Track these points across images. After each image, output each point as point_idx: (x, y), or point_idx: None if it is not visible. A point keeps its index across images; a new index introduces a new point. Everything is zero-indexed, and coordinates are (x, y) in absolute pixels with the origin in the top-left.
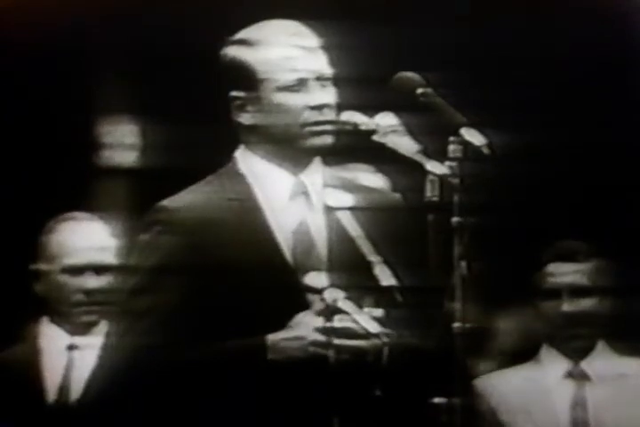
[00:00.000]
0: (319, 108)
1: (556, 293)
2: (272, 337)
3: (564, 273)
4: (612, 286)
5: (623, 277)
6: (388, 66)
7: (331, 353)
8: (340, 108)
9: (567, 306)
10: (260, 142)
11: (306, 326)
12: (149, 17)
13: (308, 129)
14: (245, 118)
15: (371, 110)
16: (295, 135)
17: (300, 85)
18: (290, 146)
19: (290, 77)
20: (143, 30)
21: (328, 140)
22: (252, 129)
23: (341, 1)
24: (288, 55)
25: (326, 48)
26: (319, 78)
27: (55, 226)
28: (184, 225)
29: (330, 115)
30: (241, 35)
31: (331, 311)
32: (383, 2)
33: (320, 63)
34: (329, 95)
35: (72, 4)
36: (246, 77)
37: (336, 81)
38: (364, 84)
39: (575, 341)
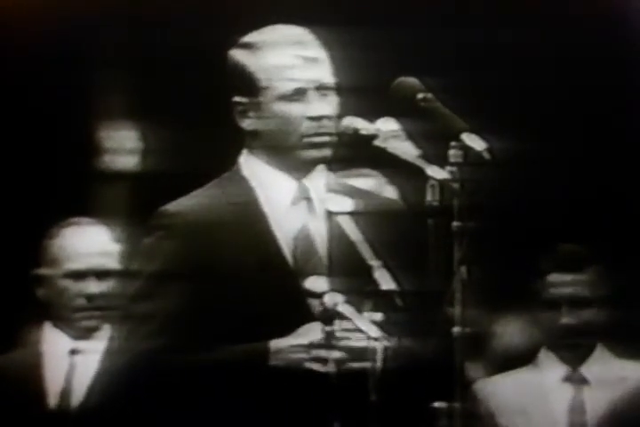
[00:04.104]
0: (318, 118)
1: (556, 303)
2: (275, 344)
3: (565, 284)
4: (612, 295)
5: (623, 285)
6: (388, 71)
7: (331, 359)
8: (342, 113)
9: (566, 318)
10: (262, 148)
11: (309, 335)
12: (151, 19)
13: (306, 140)
14: (247, 124)
15: (372, 116)
16: (294, 145)
17: (298, 95)
18: (290, 156)
19: (288, 87)
20: (145, 33)
21: (327, 152)
22: (254, 135)
23: (342, 7)
24: (288, 64)
25: (329, 56)
26: (319, 88)
27: (58, 231)
28: (186, 229)
29: (329, 126)
30: (246, 39)
31: (330, 316)
32: (383, 7)
33: (321, 73)
34: (329, 106)
35: (72, 8)
36: (248, 84)
37: (337, 86)
38: (364, 89)
39: (573, 349)
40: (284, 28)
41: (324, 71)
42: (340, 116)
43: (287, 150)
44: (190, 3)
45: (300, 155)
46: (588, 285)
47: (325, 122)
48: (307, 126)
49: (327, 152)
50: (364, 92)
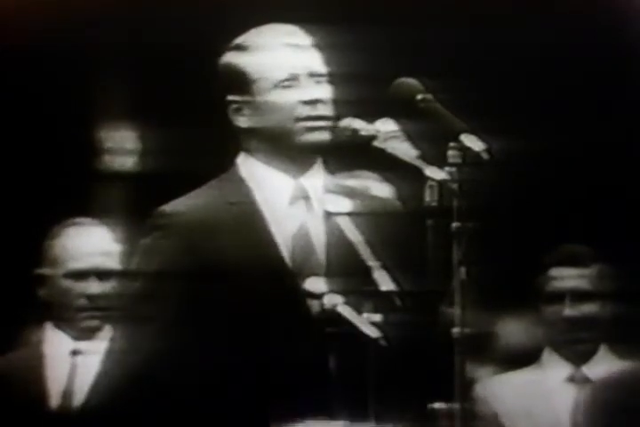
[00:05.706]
0: (312, 102)
1: (559, 297)
2: None
3: (567, 277)
4: (615, 290)
5: (625, 281)
6: (387, 71)
7: (331, 359)
8: (340, 114)
9: (569, 310)
10: (259, 146)
11: None
12: (149, 21)
13: (302, 124)
14: (242, 121)
15: (371, 116)
16: (290, 131)
17: (292, 80)
18: (287, 146)
19: (281, 74)
20: (143, 35)
21: (324, 135)
22: (250, 132)
23: (340, 5)
24: (279, 53)
25: (321, 49)
26: (312, 75)
27: (59, 231)
28: (184, 229)
29: (324, 110)
30: (235, 42)
31: (329, 317)
32: (383, 6)
33: (312, 60)
34: (322, 91)
35: (72, 9)
36: (240, 81)
37: (335, 85)
38: (364, 90)
39: (577, 345)
40: (270, 25)
41: (315, 59)
42: (338, 116)
43: (284, 140)
44: (190, 3)
45: (297, 141)
46: (591, 278)
47: (320, 106)
48: (301, 110)
49: (325, 135)
50: (362, 92)
